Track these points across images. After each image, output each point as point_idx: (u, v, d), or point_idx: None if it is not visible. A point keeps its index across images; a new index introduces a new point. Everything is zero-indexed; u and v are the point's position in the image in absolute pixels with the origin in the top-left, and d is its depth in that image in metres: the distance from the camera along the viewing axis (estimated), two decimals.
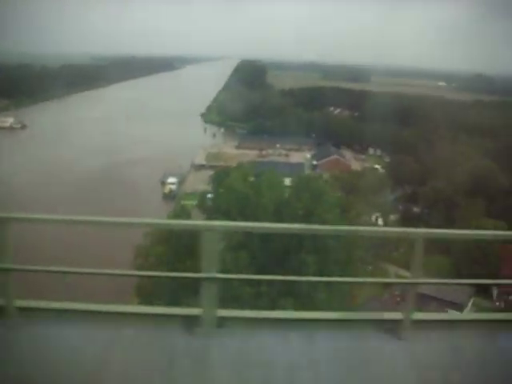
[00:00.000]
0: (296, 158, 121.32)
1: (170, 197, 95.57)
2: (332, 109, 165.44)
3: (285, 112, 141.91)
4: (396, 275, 70.22)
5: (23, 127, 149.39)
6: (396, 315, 6.44)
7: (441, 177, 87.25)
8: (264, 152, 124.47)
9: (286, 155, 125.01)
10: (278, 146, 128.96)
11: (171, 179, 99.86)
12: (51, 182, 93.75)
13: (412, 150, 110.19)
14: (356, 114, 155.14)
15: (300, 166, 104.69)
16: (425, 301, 60.86)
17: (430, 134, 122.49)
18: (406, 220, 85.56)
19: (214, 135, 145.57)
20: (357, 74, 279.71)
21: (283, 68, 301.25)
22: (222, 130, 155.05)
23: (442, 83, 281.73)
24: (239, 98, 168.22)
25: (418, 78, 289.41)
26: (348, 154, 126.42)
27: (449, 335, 6.33)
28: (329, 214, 56.51)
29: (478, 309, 62.84)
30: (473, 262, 66.50)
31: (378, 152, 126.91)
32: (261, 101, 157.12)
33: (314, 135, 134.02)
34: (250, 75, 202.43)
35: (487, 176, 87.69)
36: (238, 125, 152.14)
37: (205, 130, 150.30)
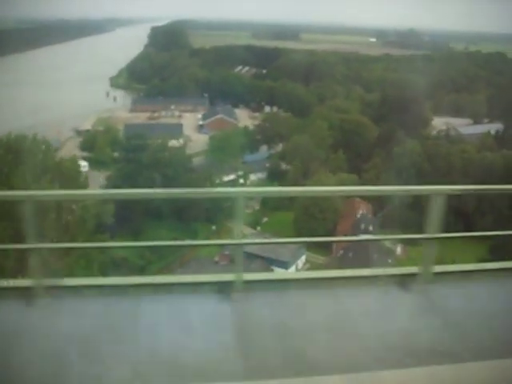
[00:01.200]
0: (189, 119, 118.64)
1: None
2: (240, 67, 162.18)
3: (184, 73, 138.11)
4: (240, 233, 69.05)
5: None
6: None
7: (308, 131, 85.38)
8: (156, 114, 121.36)
9: (179, 116, 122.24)
10: (172, 107, 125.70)
11: None
12: None
13: (299, 105, 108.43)
14: (263, 72, 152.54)
15: (178, 126, 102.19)
16: (251, 259, 59.91)
17: (323, 90, 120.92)
18: (274, 177, 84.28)
19: (115, 99, 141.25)
20: (286, 31, 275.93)
21: (214, 28, 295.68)
22: (125, 93, 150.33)
23: (372, 39, 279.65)
24: (148, 60, 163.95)
25: (349, 35, 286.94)
26: (243, 113, 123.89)
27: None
28: None
29: (313, 266, 61.94)
30: (311, 217, 65.29)
31: (274, 109, 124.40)
32: (166, 63, 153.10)
33: (210, 95, 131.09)
34: (170, 37, 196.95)
35: (355, 130, 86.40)
36: (141, 87, 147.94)
37: (107, 94, 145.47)
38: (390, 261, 58.38)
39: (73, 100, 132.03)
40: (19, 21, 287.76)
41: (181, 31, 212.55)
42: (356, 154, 79.41)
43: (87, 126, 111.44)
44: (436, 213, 6.66)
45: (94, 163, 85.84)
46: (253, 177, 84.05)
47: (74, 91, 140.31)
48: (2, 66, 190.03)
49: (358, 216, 65.77)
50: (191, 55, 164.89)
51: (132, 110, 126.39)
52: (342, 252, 61.56)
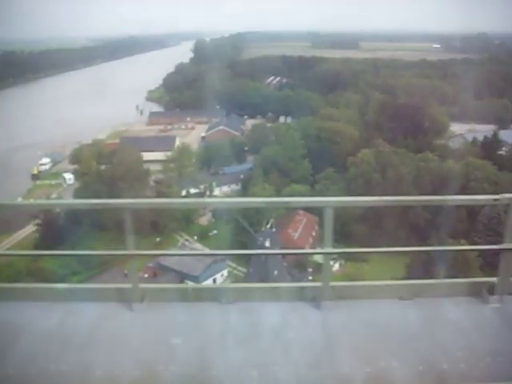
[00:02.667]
0: (199, 130, 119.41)
1: (38, 177, 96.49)
2: (272, 78, 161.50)
3: (208, 85, 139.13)
4: (185, 245, 68.33)
5: None
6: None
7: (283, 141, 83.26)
8: (169, 127, 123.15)
9: (192, 128, 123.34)
10: (188, 119, 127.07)
11: (44, 160, 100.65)
12: None
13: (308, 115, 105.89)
14: (289, 82, 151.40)
15: (171, 139, 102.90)
16: (167, 272, 59.19)
17: (339, 98, 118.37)
18: (246, 188, 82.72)
19: (141, 112, 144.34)
20: (345, 40, 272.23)
21: (274, 39, 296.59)
22: (157, 106, 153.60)
23: (436, 45, 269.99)
24: (182, 74, 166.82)
25: (411, 42, 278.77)
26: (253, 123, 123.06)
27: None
28: None
29: (237, 279, 59.99)
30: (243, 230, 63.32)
31: (289, 119, 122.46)
32: (196, 75, 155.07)
33: (228, 107, 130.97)
34: (213, 50, 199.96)
35: (332, 139, 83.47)
36: (168, 99, 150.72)
37: (137, 107, 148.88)
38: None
39: (99, 113, 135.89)
40: (89, 39, 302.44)
41: (225, 44, 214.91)
42: (323, 164, 76.22)
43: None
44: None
45: (80, 176, 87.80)
46: (226, 188, 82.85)
47: (107, 104, 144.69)
48: (52, 83, 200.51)
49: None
50: (226, 68, 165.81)
51: (149, 123, 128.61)
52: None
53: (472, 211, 60.80)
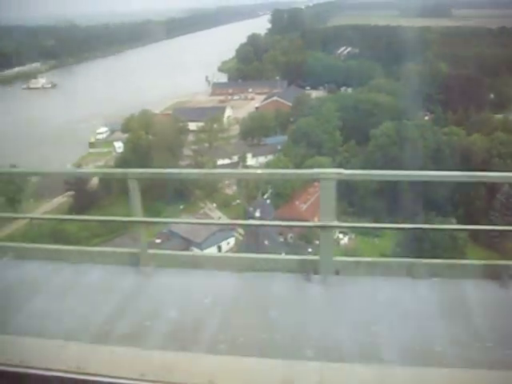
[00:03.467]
0: (257, 101, 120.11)
1: (94, 145, 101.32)
2: (343, 48, 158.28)
3: (275, 55, 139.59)
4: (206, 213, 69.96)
5: (53, 87, 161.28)
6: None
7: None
8: (229, 97, 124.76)
9: (252, 99, 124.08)
10: (249, 90, 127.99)
11: (102, 129, 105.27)
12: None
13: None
14: (362, 52, 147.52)
15: (221, 109, 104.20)
16: (175, 238, 61.30)
17: (400, 69, 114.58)
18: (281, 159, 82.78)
19: (209, 83, 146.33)
20: (436, 8, 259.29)
21: (363, 8, 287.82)
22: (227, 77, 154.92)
23: None
24: (253, 45, 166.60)
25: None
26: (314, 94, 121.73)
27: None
28: None
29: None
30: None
31: (349, 90, 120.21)
32: (268, 46, 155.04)
33: (291, 77, 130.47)
34: (290, 19, 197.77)
35: (370, 110, 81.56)
36: (238, 70, 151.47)
37: (206, 78, 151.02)
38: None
39: (170, 84, 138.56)
40: (180, 10, 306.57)
41: (310, 13, 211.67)
42: (354, 137, 74.88)
43: (157, 110, 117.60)
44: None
45: (130, 144, 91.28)
46: (262, 159, 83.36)
47: (181, 76, 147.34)
48: (135, 55, 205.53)
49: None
50: (300, 38, 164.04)
51: (212, 94, 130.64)
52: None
53: (492, 188, 58.03)
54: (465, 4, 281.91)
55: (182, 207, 70.58)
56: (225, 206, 70.66)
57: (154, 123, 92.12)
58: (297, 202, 62.17)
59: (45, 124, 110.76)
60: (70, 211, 70.23)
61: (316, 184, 65.46)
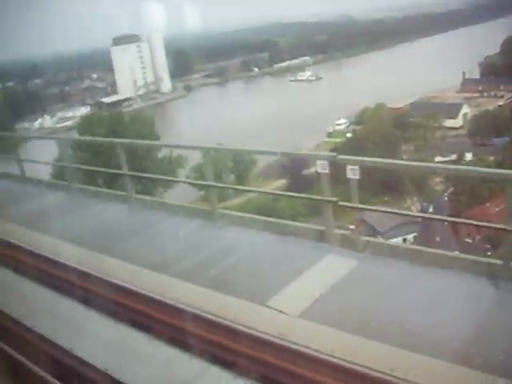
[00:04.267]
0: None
1: (331, 135, 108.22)
2: None
3: None
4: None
5: (318, 79, 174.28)
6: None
7: None
8: (476, 94, 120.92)
9: (501, 97, 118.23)
10: (501, 87, 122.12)
11: (341, 120, 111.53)
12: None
13: None
14: None
15: (457, 106, 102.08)
16: (364, 225, 64.77)
17: None
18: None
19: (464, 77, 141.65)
20: None
21: None
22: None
23: None
24: None
25: None
26: None
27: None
28: None
29: None
30: None
31: None
32: None
33: None
34: None
35: None
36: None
37: (463, 74, 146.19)
38: None
39: (424, 79, 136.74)
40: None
41: None
42: None
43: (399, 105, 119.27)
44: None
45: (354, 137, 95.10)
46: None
47: (440, 71, 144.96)
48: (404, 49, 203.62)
49: None
50: None
51: (460, 90, 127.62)
52: None
53: None
54: None
55: (386, 199, 73.21)
56: (426, 201, 71.48)
57: (384, 117, 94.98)
58: (488, 204, 60.58)
59: (297, 113, 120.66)
60: (287, 191, 77.65)
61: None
